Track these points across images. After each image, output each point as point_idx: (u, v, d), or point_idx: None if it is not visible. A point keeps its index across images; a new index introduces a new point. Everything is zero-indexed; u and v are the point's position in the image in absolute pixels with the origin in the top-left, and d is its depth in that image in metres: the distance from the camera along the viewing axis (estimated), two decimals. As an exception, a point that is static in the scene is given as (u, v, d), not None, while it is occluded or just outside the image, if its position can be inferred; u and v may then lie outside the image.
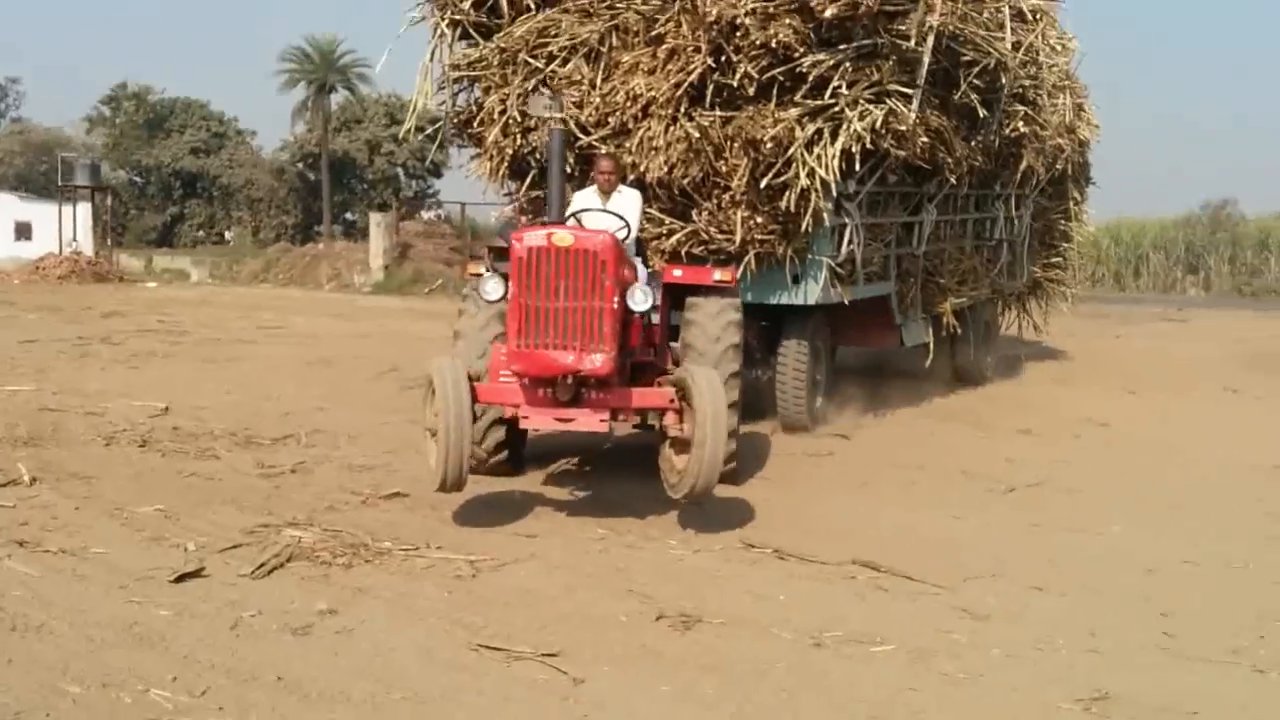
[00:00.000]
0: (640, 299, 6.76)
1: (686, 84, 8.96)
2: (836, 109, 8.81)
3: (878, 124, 8.86)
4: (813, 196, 8.81)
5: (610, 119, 9.28)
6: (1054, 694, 4.36)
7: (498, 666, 4.50)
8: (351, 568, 5.74)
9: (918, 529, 6.92)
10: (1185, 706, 4.26)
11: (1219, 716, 4.19)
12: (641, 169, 9.04)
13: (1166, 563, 6.28)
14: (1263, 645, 4.97)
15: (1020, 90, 11.40)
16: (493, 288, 6.75)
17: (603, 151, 8.70)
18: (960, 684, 4.48)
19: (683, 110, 9.03)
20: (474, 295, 7.61)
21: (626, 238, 7.33)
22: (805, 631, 4.99)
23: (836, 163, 8.76)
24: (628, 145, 9.18)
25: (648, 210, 8.98)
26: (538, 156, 9.66)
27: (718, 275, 7.97)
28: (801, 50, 8.69)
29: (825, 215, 9.05)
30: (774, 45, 8.65)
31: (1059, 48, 12.70)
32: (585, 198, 7.84)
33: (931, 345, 11.35)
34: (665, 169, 9.07)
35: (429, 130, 11.31)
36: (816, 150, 8.78)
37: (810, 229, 9.08)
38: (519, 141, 9.81)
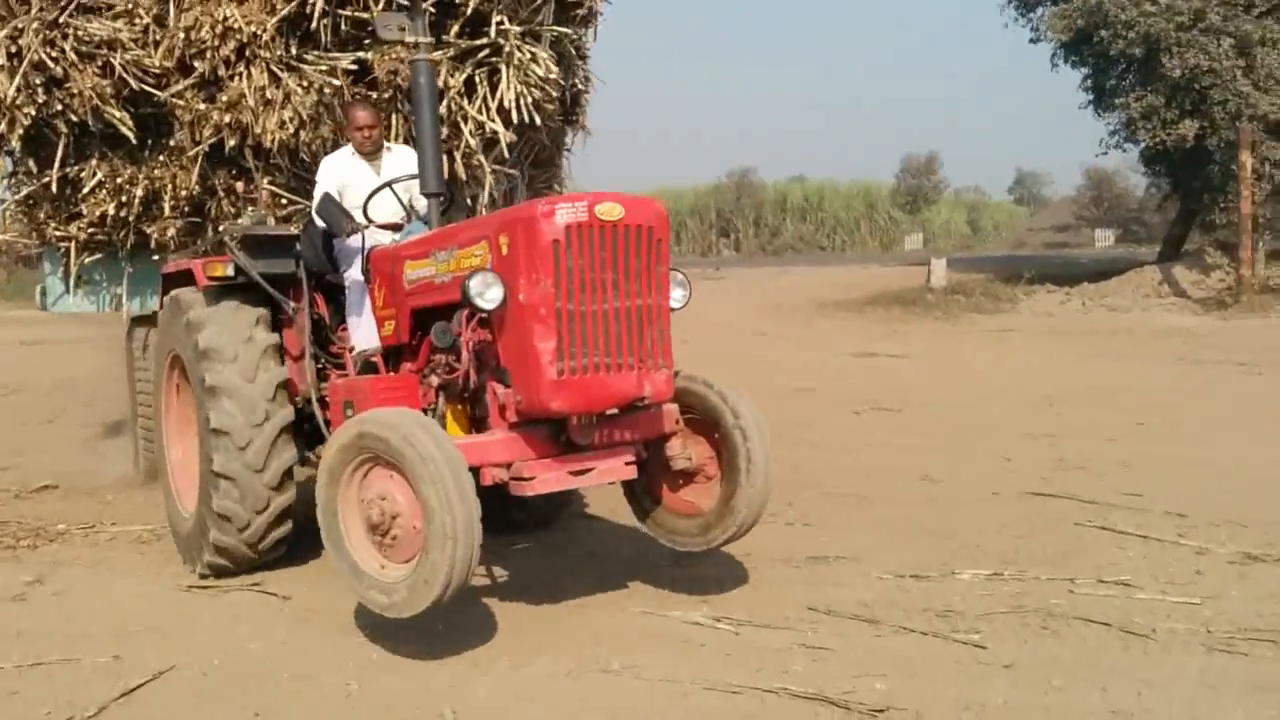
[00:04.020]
0: (678, 295, 5.07)
1: (304, 21, 7.02)
2: (505, 50, 7.20)
3: (551, 71, 7.36)
4: (483, 162, 7.34)
5: (197, 62, 7.03)
6: (653, 557, 5.82)
7: (214, 599, 5.32)
8: (38, 548, 6.21)
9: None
10: (742, 551, 5.92)
11: (762, 550, 5.87)
12: (258, 131, 6.99)
13: (722, 464, 8.07)
14: (791, 509, 6.84)
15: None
16: (482, 285, 4.44)
17: (355, 100, 6.81)
18: (587, 560, 5.91)
19: (293, 52, 7.05)
20: (231, 314, 5.55)
21: (447, 210, 5.73)
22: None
23: (512, 117, 7.22)
24: (222, 99, 7.03)
25: (257, 188, 7.25)
26: (71, 120, 7.17)
27: None
28: None
29: (490, 183, 7.40)
30: None
31: None
32: (343, 165, 5.99)
33: None
34: (289, 129, 7.01)
35: None
36: (477, 102, 7.22)
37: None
38: (40, 99, 7.06)
